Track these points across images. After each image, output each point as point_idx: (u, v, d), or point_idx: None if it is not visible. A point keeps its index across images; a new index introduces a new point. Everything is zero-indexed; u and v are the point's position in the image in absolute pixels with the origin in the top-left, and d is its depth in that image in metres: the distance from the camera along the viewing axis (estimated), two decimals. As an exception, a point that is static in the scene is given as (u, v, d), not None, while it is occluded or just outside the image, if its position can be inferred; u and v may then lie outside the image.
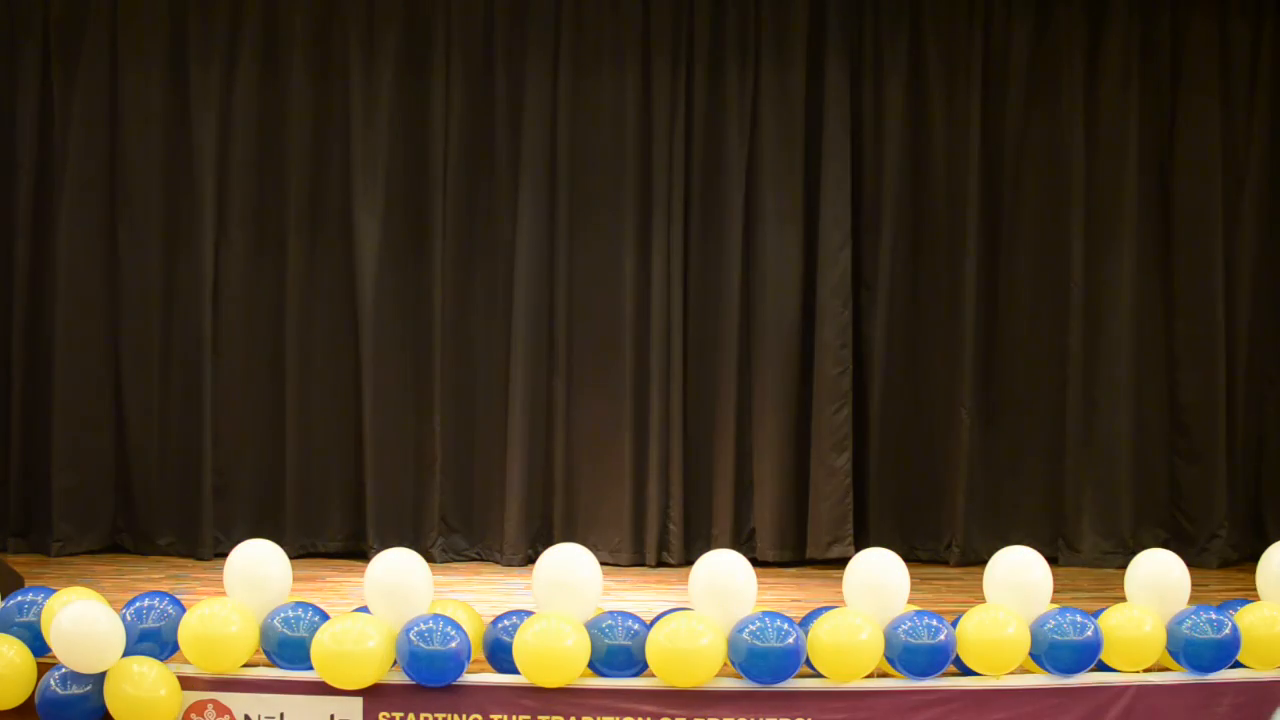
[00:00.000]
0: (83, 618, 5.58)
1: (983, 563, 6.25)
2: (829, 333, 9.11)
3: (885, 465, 9.29)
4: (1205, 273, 9.24)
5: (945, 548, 9.17)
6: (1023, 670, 5.92)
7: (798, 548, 9.11)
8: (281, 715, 5.67)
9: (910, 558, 7.83)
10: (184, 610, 5.81)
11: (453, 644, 5.60)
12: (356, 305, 9.09)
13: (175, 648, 5.76)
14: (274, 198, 9.16)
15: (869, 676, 5.79)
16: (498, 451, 9.13)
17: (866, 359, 9.26)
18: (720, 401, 9.19)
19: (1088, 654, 5.85)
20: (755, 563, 6.31)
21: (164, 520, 9.10)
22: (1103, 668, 5.95)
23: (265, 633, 5.77)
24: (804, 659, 5.72)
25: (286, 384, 9.10)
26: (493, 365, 9.21)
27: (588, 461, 9.19)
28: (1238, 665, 6.01)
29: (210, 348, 9.03)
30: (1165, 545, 7.85)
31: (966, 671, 5.89)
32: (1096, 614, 5.97)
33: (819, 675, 5.78)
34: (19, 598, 5.99)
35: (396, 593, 5.73)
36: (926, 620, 5.80)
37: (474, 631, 5.93)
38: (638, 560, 9.07)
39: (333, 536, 9.18)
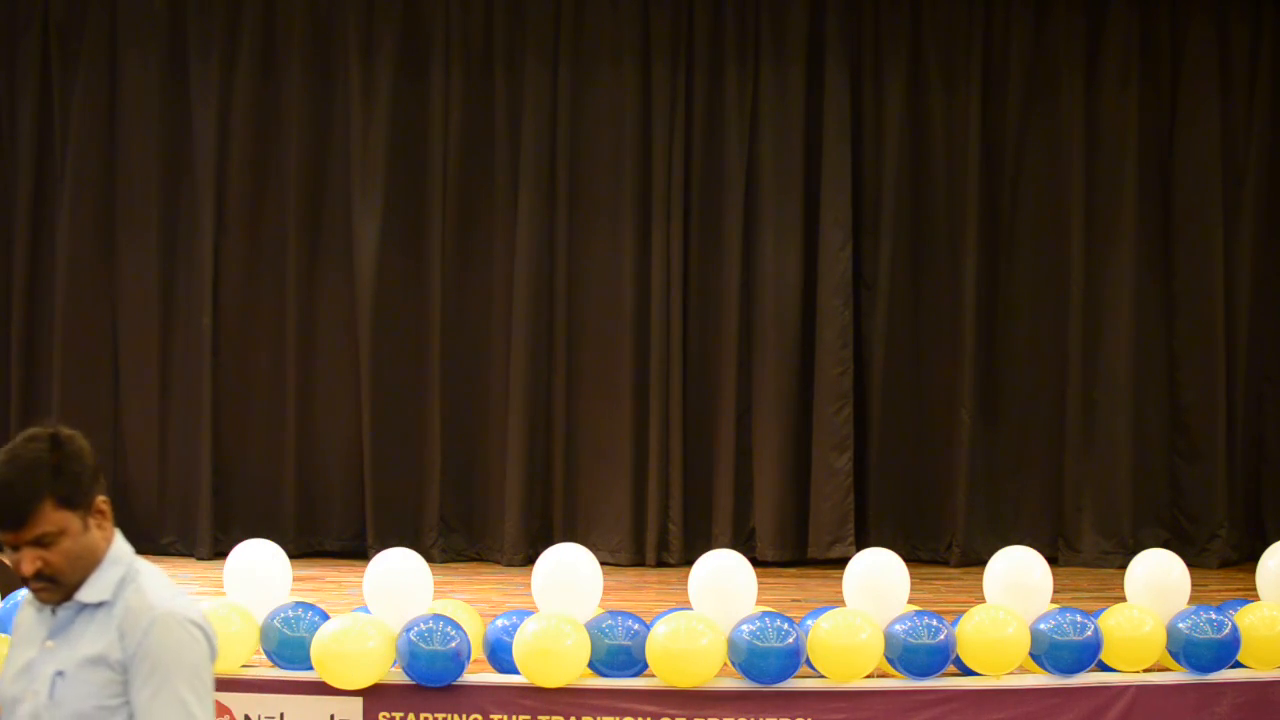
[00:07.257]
0: (83, 618, 5.56)
1: (983, 563, 6.25)
2: (829, 333, 9.10)
3: (885, 465, 9.28)
4: (1205, 273, 9.25)
5: (945, 548, 9.17)
6: (1023, 670, 5.91)
7: (798, 548, 9.11)
8: (281, 715, 5.66)
9: (911, 558, 7.83)
10: (184, 610, 5.80)
11: (453, 644, 5.58)
12: (356, 305, 9.09)
13: (175, 648, 5.74)
14: (274, 198, 9.16)
15: (869, 676, 5.78)
16: (497, 451, 9.12)
17: (866, 359, 9.26)
18: (720, 401, 9.19)
19: (1088, 654, 5.84)
20: (755, 563, 6.30)
21: (163, 519, 9.10)
22: (1103, 668, 5.94)
23: (265, 633, 5.76)
24: (804, 659, 5.71)
25: (286, 384, 9.11)
26: (493, 365, 9.21)
27: (588, 461, 9.19)
28: (1238, 665, 6.00)
29: (210, 347, 9.03)
30: (1165, 545, 7.86)
31: (966, 671, 5.88)
32: (1096, 614, 5.96)
33: (819, 675, 5.77)
34: (19, 598, 5.99)
35: (396, 593, 5.72)
36: (926, 620, 5.79)
37: (474, 631, 5.92)
38: (638, 560, 9.07)
39: (333, 536, 9.18)
